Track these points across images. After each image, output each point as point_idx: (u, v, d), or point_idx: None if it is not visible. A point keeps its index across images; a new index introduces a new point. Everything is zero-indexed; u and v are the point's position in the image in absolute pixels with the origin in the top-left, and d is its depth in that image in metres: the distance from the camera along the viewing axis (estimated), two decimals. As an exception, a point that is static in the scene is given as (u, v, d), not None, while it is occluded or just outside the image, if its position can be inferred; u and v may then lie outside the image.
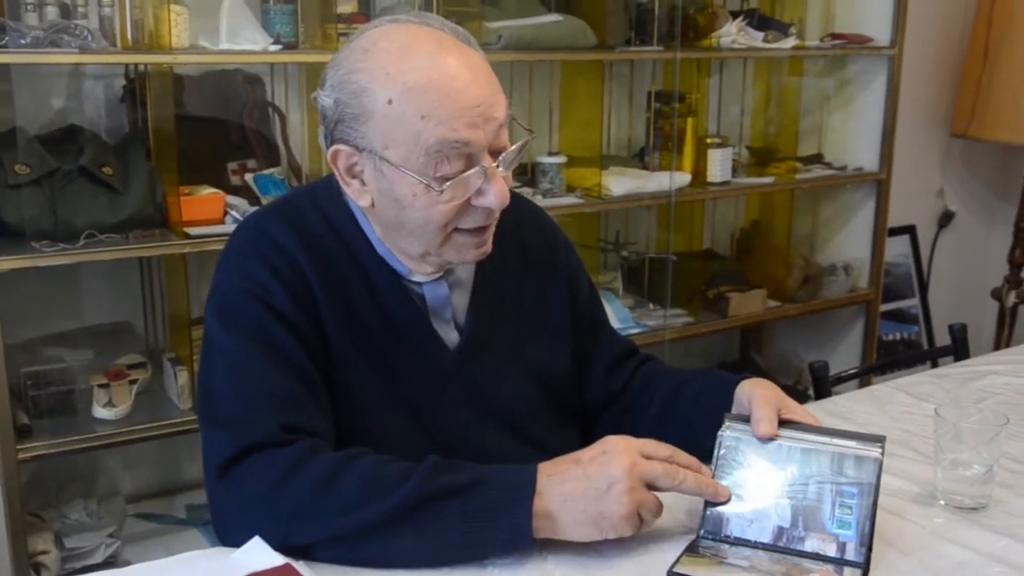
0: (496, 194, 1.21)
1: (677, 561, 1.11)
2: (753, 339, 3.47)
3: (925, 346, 3.71)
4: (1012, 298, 3.51)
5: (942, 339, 3.63)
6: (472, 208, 1.22)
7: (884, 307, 3.51)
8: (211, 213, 2.13)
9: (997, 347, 3.53)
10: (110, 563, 2.13)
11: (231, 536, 1.14)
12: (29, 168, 1.96)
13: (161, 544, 2.25)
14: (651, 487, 1.13)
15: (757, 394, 1.27)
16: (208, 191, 2.16)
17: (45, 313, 2.28)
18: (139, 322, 2.41)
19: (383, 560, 1.10)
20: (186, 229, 2.07)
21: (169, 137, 2.11)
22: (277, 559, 1.09)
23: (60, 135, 2.12)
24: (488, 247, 1.29)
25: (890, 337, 3.66)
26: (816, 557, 1.13)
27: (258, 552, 1.11)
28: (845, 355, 3.28)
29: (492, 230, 1.28)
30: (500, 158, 1.22)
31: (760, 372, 3.37)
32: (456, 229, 1.24)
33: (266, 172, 2.31)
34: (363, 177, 1.23)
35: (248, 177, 2.30)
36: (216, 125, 2.36)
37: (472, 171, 1.19)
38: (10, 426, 1.93)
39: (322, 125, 1.25)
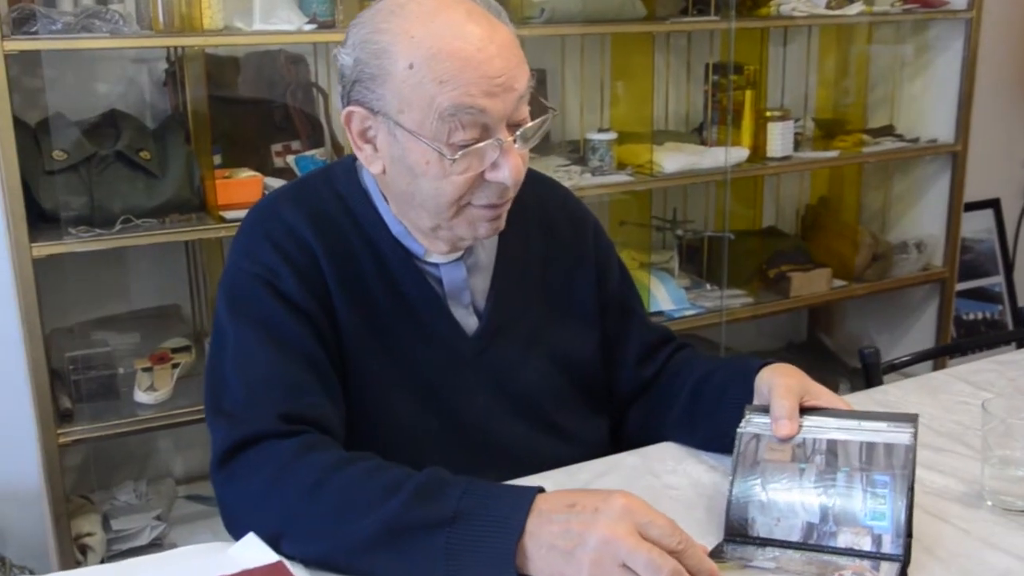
0: (511, 169, 1.16)
1: None
2: (822, 320, 3.34)
3: (1010, 325, 3.52)
4: (1104, 275, 3.31)
5: (1029, 318, 3.46)
6: (485, 183, 1.18)
7: (964, 285, 3.35)
8: (250, 196, 2.11)
9: (1086, 328, 3.34)
10: (156, 545, 2.16)
11: (233, 529, 1.12)
12: (66, 154, 1.97)
13: (207, 526, 2.26)
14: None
15: (777, 383, 1.18)
16: (247, 174, 2.15)
17: (95, 297, 2.31)
18: (187, 305, 2.42)
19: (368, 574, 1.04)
20: (222, 213, 2.06)
21: (205, 120, 2.10)
22: (270, 556, 1.06)
23: (100, 120, 2.12)
24: (501, 224, 1.24)
25: (971, 316, 3.49)
26: (850, 553, 1.05)
27: (252, 548, 1.08)
28: (919, 336, 3.14)
29: (507, 207, 1.23)
30: (518, 133, 1.17)
31: (828, 354, 3.25)
32: (469, 204, 1.19)
33: (308, 153, 2.29)
34: (376, 142, 1.20)
35: (290, 159, 2.28)
36: (260, 107, 2.36)
37: (487, 142, 1.14)
38: (50, 411, 1.95)
39: (340, 84, 1.22)
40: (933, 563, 1.07)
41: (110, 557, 2.08)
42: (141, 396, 2.07)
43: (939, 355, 2.00)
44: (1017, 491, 1.19)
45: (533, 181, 1.39)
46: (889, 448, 1.09)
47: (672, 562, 0.92)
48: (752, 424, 1.16)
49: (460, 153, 1.14)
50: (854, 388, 2.43)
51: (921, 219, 3.12)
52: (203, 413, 2.03)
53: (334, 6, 2.17)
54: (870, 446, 1.10)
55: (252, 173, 2.15)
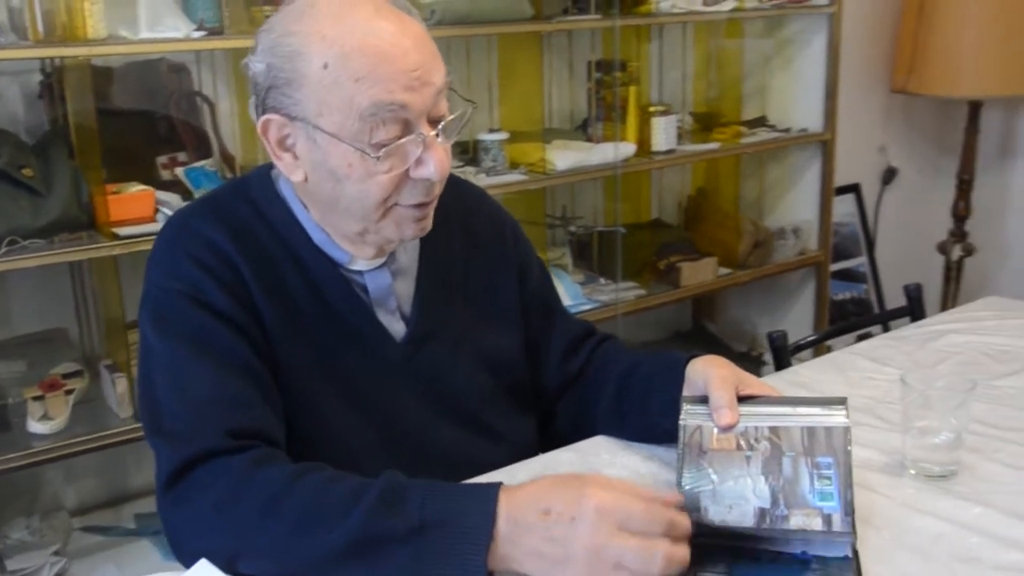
0: (435, 164, 1.16)
1: None
2: (705, 307, 3.45)
3: (875, 304, 3.72)
4: (957, 251, 3.53)
5: (891, 296, 3.65)
6: (411, 181, 1.17)
7: (833, 267, 3.50)
8: (141, 211, 2.04)
9: (945, 301, 3.55)
10: (57, 582, 2.05)
11: (181, 553, 1.09)
12: (-59, 175, 1.85)
13: (110, 558, 2.16)
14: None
15: (713, 374, 1.21)
16: (137, 188, 2.07)
17: (-28, 325, 2.18)
18: (73, 328, 2.31)
19: None
20: (115, 229, 1.98)
21: (92, 133, 2.01)
22: (226, 582, 1.03)
23: (-27, 137, 2.00)
24: (429, 223, 1.23)
25: (840, 296, 3.66)
26: (805, 534, 1.09)
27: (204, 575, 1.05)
28: (798, 318, 3.28)
29: (433, 206, 1.23)
30: (439, 127, 1.17)
31: (714, 340, 3.36)
32: (396, 205, 1.18)
33: (197, 165, 2.22)
34: (295, 150, 1.17)
35: (179, 171, 2.20)
36: (142, 118, 2.27)
37: (409, 138, 1.14)
38: (-63, 449, 1.83)
39: (253, 95, 1.19)
40: (869, 532, 1.13)
41: (10, 598, 1.97)
42: (36, 426, 1.96)
43: (840, 333, 2.10)
44: (936, 458, 1.26)
45: (451, 183, 1.39)
46: (829, 431, 1.14)
47: (662, 543, 0.96)
48: (692, 415, 1.19)
49: (383, 151, 1.13)
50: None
51: (795, 205, 3.25)
52: (102, 440, 2.00)
53: (220, 12, 2.11)
54: (811, 430, 1.14)
55: (142, 187, 2.07)
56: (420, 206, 1.20)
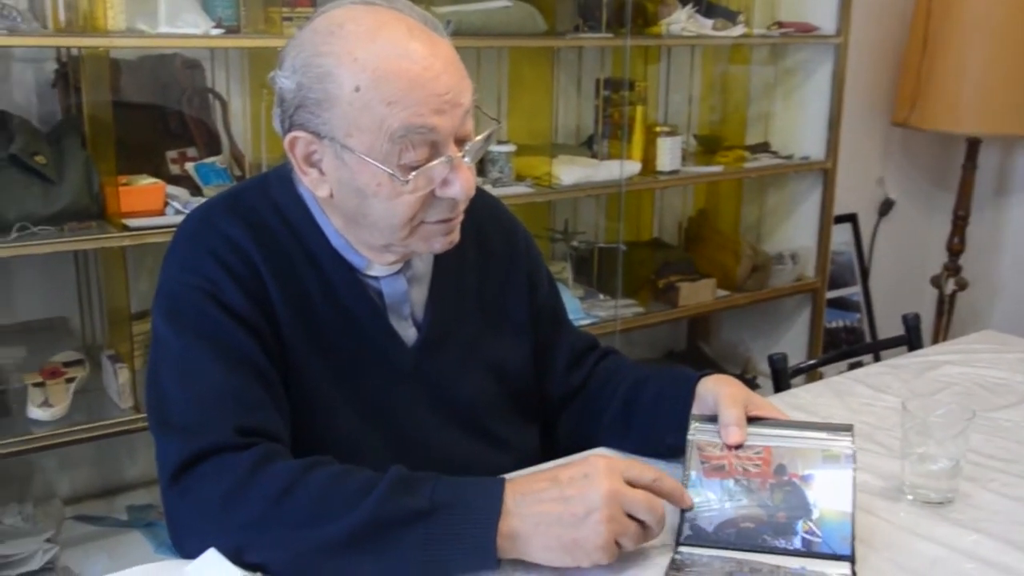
0: (462, 184, 1.17)
1: None
2: (701, 328, 3.47)
3: (867, 333, 3.75)
4: (951, 285, 3.56)
5: (883, 326, 3.68)
6: (437, 200, 1.19)
7: (827, 295, 3.54)
8: (151, 204, 2.04)
9: (936, 334, 3.58)
10: (48, 569, 2.04)
11: (184, 546, 1.10)
12: (-47, 158, 1.86)
13: (102, 548, 2.16)
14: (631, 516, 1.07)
15: (723, 393, 1.24)
16: (147, 181, 2.08)
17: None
18: (75, 317, 2.31)
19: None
20: (125, 221, 1.98)
21: (106, 124, 2.02)
22: (233, 573, 1.04)
23: (-13, 122, 2.01)
24: (456, 236, 1.25)
25: (833, 324, 3.69)
26: (806, 554, 1.11)
27: (213, 565, 1.05)
28: (792, 343, 3.30)
29: (459, 220, 1.24)
30: (466, 148, 1.18)
31: (708, 361, 3.38)
32: (422, 222, 1.20)
33: (208, 161, 2.23)
34: (322, 166, 1.18)
35: (189, 166, 2.21)
36: (154, 112, 2.28)
37: (438, 161, 1.15)
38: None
39: (278, 108, 1.19)
40: (871, 553, 1.15)
41: (-1, 583, 1.97)
42: (36, 412, 1.96)
43: (839, 359, 2.13)
44: (934, 485, 1.28)
45: None
46: (834, 455, 1.16)
47: (658, 500, 1.08)
48: (700, 432, 1.21)
49: (412, 175, 1.14)
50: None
51: (794, 232, 3.28)
52: (102, 430, 2.00)
53: (239, 11, 2.13)
54: (815, 453, 1.17)
55: (153, 180, 2.09)
56: (446, 221, 1.22)
